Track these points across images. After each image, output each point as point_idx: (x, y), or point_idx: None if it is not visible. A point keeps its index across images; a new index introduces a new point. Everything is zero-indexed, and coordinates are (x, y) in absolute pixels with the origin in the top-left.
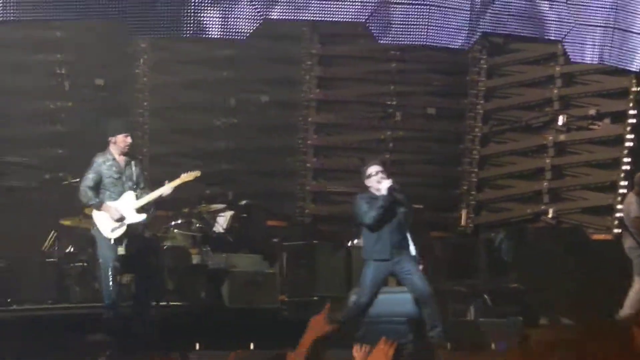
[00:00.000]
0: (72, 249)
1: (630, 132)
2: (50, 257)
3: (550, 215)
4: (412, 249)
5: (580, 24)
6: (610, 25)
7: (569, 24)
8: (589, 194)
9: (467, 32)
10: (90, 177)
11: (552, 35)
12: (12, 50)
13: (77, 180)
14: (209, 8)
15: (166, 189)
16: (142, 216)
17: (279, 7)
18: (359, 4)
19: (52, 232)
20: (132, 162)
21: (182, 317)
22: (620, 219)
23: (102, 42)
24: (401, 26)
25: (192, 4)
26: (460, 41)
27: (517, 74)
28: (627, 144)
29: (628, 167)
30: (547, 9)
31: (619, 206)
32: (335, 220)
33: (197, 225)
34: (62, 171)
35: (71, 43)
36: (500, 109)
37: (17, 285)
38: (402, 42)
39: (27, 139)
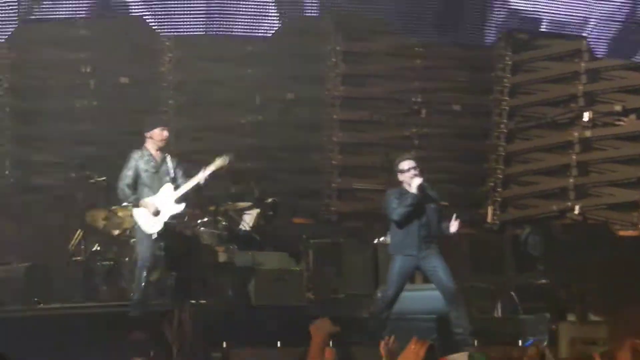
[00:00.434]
0: (98, 248)
1: None
2: (76, 255)
3: (576, 212)
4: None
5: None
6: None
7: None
8: (615, 190)
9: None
10: (127, 175)
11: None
12: (38, 49)
13: (103, 178)
14: (233, 5)
15: (201, 176)
16: (181, 206)
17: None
18: None
19: (79, 230)
20: (168, 156)
21: (209, 315)
22: None
23: (127, 40)
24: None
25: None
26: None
27: (542, 70)
28: None
29: None
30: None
31: None
32: (361, 218)
33: (224, 223)
34: (88, 170)
35: (96, 41)
36: (526, 106)
37: (44, 284)
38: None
39: (53, 138)
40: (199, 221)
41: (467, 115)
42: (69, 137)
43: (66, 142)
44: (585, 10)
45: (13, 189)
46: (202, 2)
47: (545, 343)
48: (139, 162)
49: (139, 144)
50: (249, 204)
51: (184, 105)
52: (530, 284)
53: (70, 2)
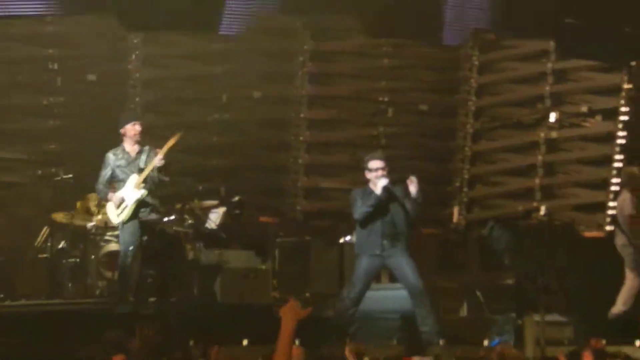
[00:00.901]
0: (64, 245)
1: (622, 129)
2: (42, 252)
3: (542, 212)
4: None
5: None
6: None
7: None
8: (580, 191)
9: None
10: (102, 174)
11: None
12: (5, 45)
13: (70, 176)
14: (202, 3)
15: (157, 159)
16: (141, 192)
17: None
18: None
19: (45, 227)
20: (145, 149)
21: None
22: (613, 216)
23: (95, 37)
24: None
25: None
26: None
27: (509, 71)
28: (619, 141)
29: (620, 165)
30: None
31: (611, 203)
32: (328, 217)
33: (190, 221)
34: (54, 166)
35: (63, 38)
36: (492, 106)
37: (11, 281)
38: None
39: (20, 134)
40: (165, 219)
41: (433, 114)
42: (37, 133)
43: (33, 139)
44: None
45: None
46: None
47: (512, 342)
48: (113, 160)
49: (107, 141)
50: (215, 202)
51: (151, 102)
52: (496, 284)
53: None
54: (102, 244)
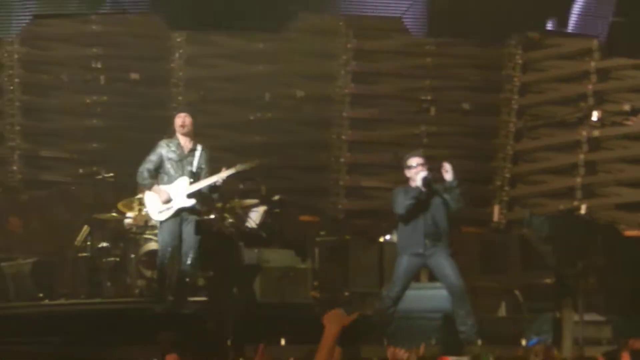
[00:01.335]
0: (104, 244)
1: None
2: (82, 252)
3: (583, 211)
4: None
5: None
6: None
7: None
8: (622, 189)
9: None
10: (149, 159)
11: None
12: (49, 45)
13: (111, 175)
14: (245, 2)
15: (220, 177)
16: (191, 201)
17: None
18: None
19: (85, 227)
20: (197, 150)
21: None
22: None
23: (138, 36)
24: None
25: None
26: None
27: (552, 69)
28: None
29: None
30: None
31: None
32: (369, 216)
33: (230, 220)
34: (95, 165)
35: (107, 37)
36: (535, 104)
37: (50, 280)
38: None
39: (62, 133)
40: (205, 218)
41: (476, 113)
42: (78, 132)
43: (75, 138)
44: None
45: (21, 184)
46: None
47: (550, 342)
48: (164, 148)
49: (149, 140)
50: (255, 201)
51: (193, 102)
52: (535, 283)
53: None
54: (142, 242)
